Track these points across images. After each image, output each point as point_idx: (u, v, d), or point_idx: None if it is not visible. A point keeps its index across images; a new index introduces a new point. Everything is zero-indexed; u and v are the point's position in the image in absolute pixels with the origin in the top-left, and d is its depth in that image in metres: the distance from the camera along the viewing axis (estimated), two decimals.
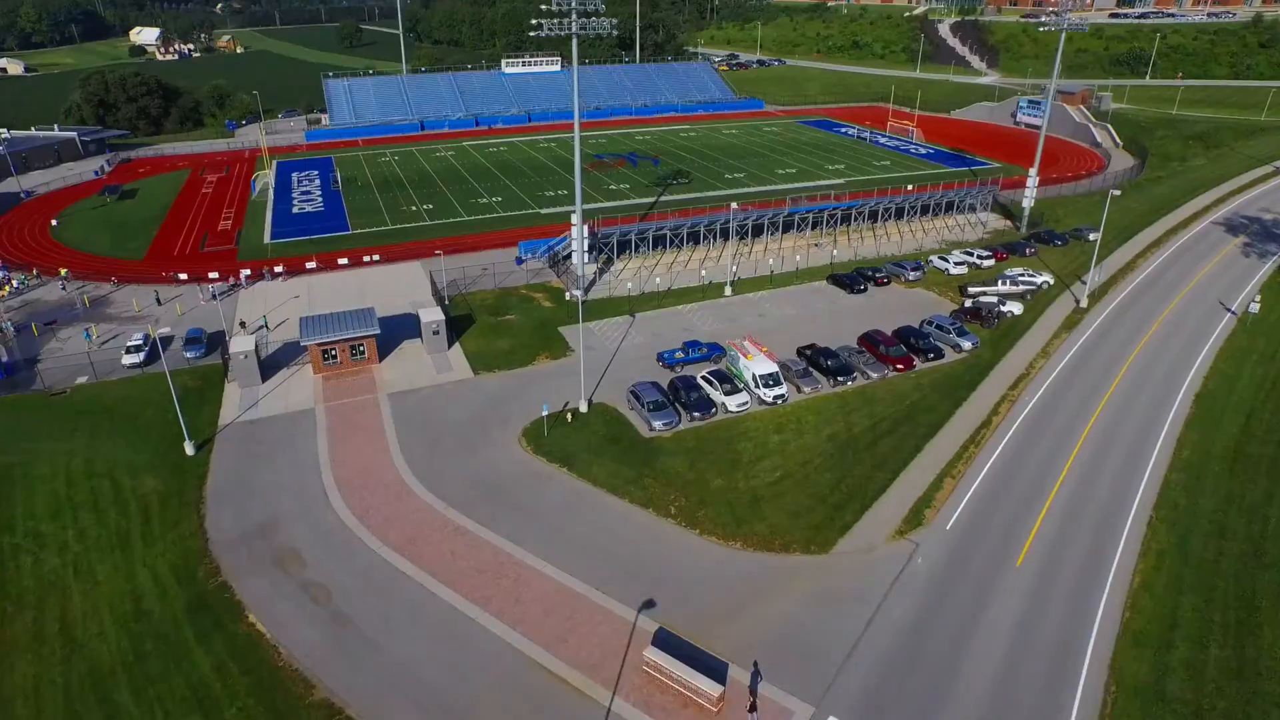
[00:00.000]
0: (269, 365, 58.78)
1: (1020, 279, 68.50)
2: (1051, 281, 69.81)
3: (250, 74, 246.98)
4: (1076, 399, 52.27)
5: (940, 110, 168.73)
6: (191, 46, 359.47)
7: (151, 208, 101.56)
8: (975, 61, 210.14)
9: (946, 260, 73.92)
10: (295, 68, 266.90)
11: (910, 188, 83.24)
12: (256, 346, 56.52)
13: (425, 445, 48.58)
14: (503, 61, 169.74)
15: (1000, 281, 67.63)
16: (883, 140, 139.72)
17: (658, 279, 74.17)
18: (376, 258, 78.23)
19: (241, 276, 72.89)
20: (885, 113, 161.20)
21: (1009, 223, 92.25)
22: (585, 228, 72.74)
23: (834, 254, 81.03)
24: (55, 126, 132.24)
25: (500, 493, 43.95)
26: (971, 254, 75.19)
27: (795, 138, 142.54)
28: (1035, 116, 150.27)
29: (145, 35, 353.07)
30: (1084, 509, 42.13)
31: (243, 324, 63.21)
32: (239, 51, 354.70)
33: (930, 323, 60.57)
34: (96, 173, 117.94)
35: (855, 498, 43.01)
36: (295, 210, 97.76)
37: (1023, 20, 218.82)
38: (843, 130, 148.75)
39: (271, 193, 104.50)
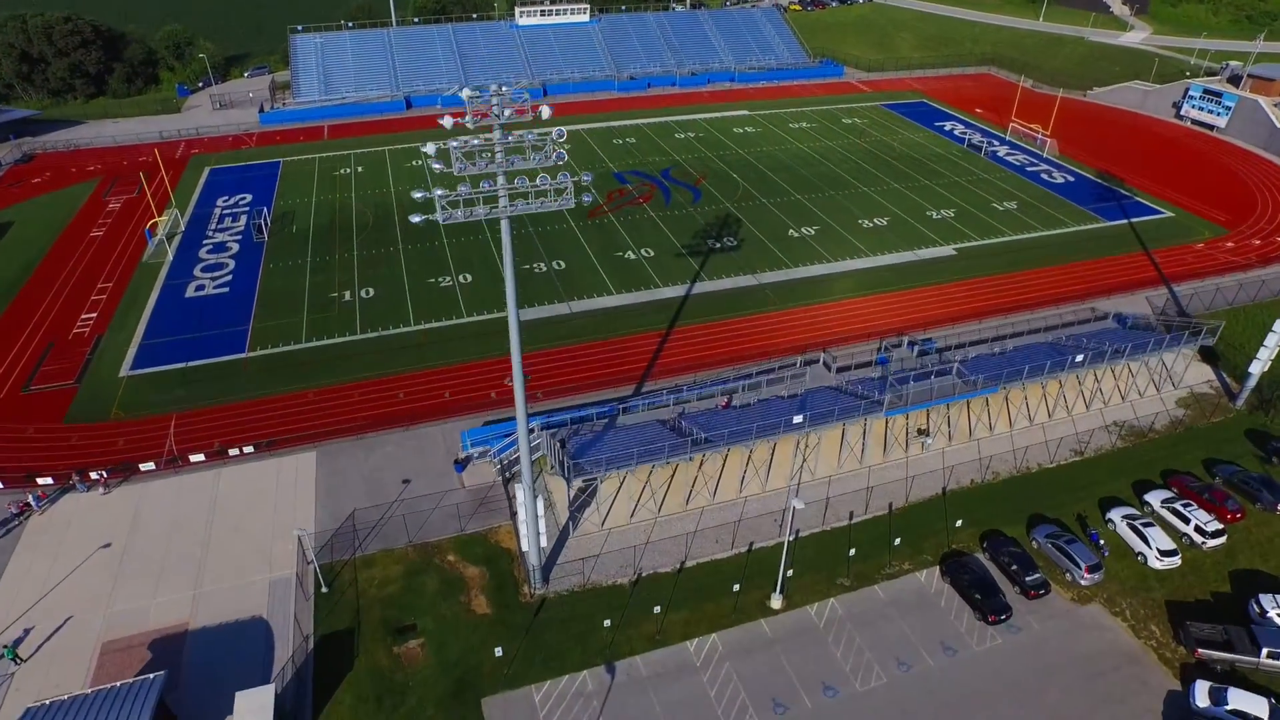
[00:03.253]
0: None
1: None
2: None
3: None
4: None
5: (1073, 85, 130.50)
6: None
7: (12, 266, 76.12)
8: (1116, 5, 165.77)
9: (1145, 539, 44.12)
10: None
11: (1080, 359, 53.03)
12: None
13: None
14: (516, 9, 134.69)
15: (1259, 644, 38.16)
16: (1001, 152, 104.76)
17: (660, 555, 47.09)
18: (250, 449, 52.14)
19: (32, 499, 47.84)
20: (1000, 88, 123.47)
21: (1211, 374, 61.22)
22: (548, 428, 45.64)
23: (946, 457, 52.38)
24: None
25: None
26: (1186, 515, 45.42)
27: (885, 141, 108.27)
28: (1213, 114, 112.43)
29: None
30: None
31: None
32: None
33: None
34: None
35: None
36: (191, 291, 71.09)
37: None
38: (947, 129, 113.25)
39: (171, 252, 77.61)
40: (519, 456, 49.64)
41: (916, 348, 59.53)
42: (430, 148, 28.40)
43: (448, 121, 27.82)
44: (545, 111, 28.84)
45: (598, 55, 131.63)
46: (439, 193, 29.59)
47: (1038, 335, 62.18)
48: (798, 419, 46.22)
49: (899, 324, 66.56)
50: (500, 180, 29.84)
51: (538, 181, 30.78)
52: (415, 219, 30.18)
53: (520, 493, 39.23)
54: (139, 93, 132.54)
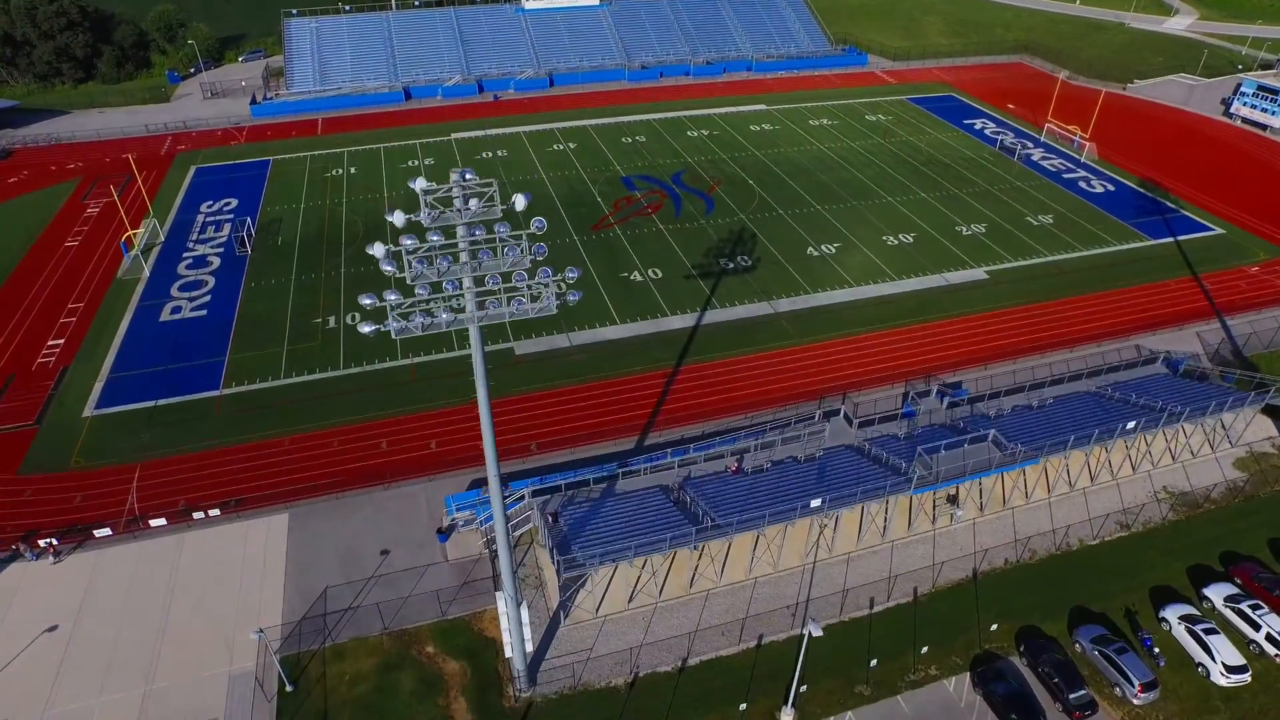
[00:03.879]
0: None
1: None
2: None
3: None
4: None
5: (1113, 77, 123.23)
6: None
7: None
8: None
9: (1208, 649, 38.74)
10: None
11: (1132, 425, 47.67)
12: None
13: None
14: None
15: None
16: (1035, 155, 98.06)
17: (660, 651, 42.66)
18: (215, 512, 47.92)
19: None
20: (1034, 80, 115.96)
21: (1273, 429, 55.49)
22: (538, 510, 41.09)
23: (977, 531, 47.56)
24: None
25: None
26: (1256, 620, 40.24)
27: (912, 142, 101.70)
28: (1267, 112, 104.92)
29: None
30: None
31: None
32: None
33: None
34: None
35: None
36: (166, 314, 66.57)
37: None
38: (977, 128, 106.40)
39: (147, 267, 72.97)
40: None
41: (946, 399, 54.29)
42: (378, 249, 23.37)
43: (398, 218, 22.74)
44: (519, 201, 23.70)
45: (608, 42, 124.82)
46: (391, 297, 24.59)
47: (1079, 384, 56.72)
48: (815, 503, 41.38)
49: (926, 363, 61.28)
50: (467, 283, 24.82)
51: (513, 280, 25.75)
52: (365, 329, 25.17)
53: (502, 602, 34.75)
54: (130, 78, 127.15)
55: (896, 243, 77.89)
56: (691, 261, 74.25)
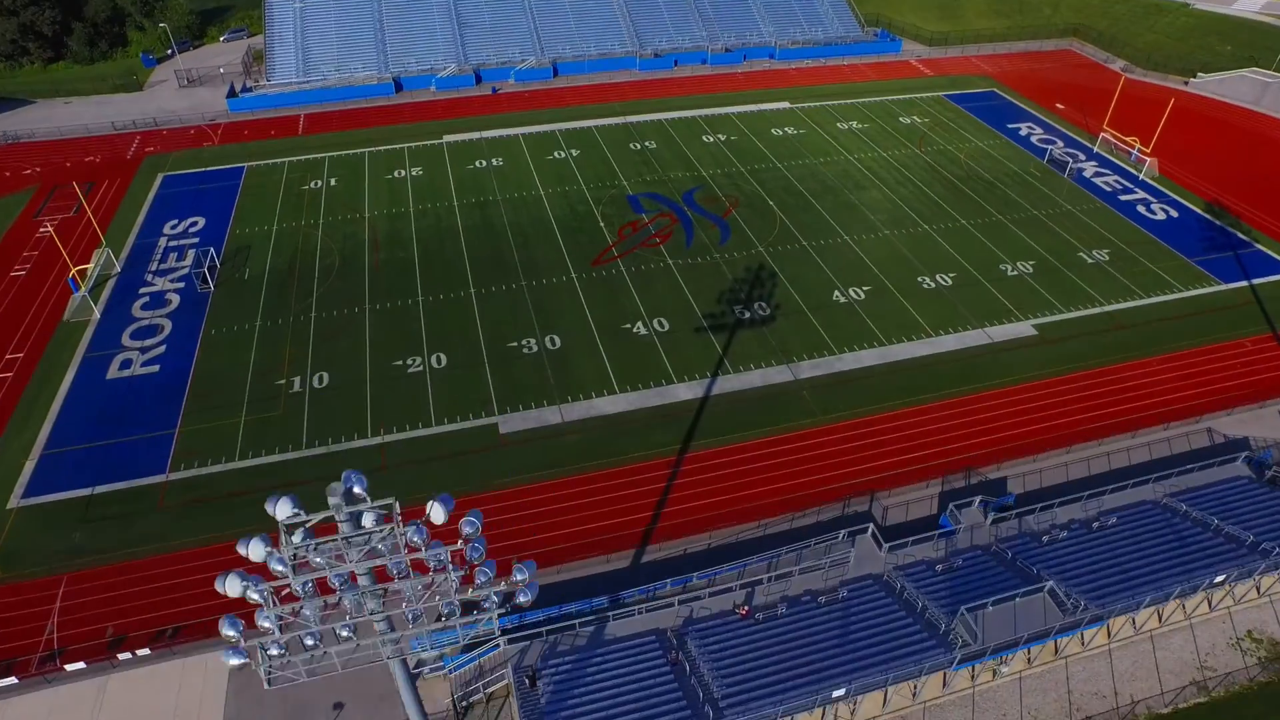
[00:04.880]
0: None
1: None
2: None
3: None
4: None
5: (1173, 69, 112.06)
6: None
7: None
8: None
9: None
10: None
11: (1221, 578, 40.18)
12: None
13: None
14: None
15: None
16: (1089, 171, 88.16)
17: None
18: (145, 651, 41.58)
19: None
20: (1086, 74, 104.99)
21: None
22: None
23: (1024, 690, 40.66)
24: None
25: None
26: None
27: (948, 150, 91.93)
28: None
29: None
30: None
31: None
32: None
33: None
34: None
35: None
36: (114, 369, 59.34)
37: None
38: (1022, 134, 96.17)
39: (98, 308, 65.74)
40: (481, 682, 39.15)
41: (991, 514, 46.84)
42: (232, 585, 16.07)
43: (256, 552, 15.46)
44: (438, 513, 16.28)
45: (618, 26, 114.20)
46: (266, 623, 17.37)
47: (1144, 489, 48.93)
48: (838, 692, 34.45)
49: (965, 449, 53.63)
50: (372, 606, 17.54)
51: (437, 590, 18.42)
52: (233, 661, 17.99)
53: None
54: (104, 57, 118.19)
55: (933, 286, 69.34)
56: (703, 309, 66.21)
